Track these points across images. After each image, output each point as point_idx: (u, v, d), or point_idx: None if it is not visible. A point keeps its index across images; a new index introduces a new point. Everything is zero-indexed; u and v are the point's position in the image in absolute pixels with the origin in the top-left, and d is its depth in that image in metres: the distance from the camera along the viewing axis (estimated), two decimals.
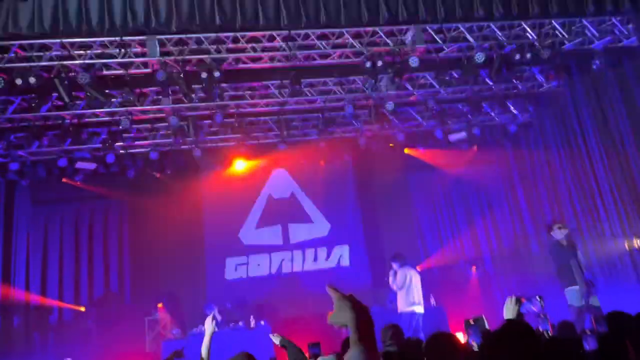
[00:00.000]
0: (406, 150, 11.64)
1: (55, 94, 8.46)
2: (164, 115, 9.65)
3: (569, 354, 3.40)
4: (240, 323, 9.06)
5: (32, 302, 9.91)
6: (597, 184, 9.74)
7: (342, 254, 11.57)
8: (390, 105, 9.33)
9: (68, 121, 9.13)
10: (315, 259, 11.53)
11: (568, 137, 10.30)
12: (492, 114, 10.78)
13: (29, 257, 10.11)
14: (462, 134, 10.74)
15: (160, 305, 10.38)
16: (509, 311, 3.50)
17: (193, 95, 9.18)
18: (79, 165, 9.69)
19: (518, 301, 3.54)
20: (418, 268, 11.45)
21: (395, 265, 8.43)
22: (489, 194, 11.84)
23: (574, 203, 10.32)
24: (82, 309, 10.34)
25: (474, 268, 11.48)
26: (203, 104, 9.53)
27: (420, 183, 12.00)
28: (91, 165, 9.80)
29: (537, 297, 3.75)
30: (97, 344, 9.06)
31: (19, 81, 7.49)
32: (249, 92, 9.59)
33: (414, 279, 8.32)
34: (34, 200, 10.33)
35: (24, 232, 10.07)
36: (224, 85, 9.14)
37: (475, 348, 3.17)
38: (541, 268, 10.55)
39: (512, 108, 10.79)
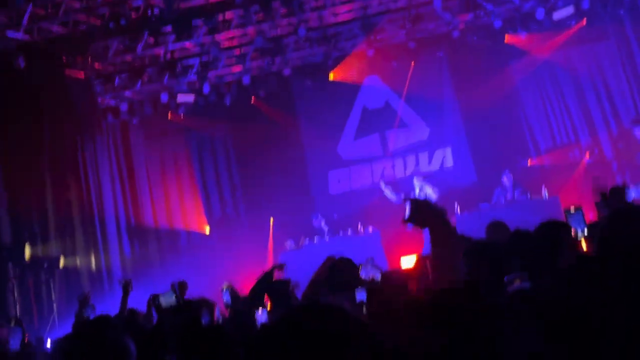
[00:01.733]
0: (506, 39, 10.75)
1: (145, 32, 8.79)
2: (249, 38, 9.71)
3: None
4: (349, 231, 9.35)
5: (162, 229, 10.94)
6: None
7: (444, 156, 11.28)
8: None
9: (162, 56, 9.51)
10: (417, 163, 11.36)
11: None
12: None
13: (151, 189, 11.04)
14: (569, 10, 9.64)
15: (271, 220, 10.99)
16: (613, 198, 3.25)
17: (274, 13, 9.09)
18: (180, 98, 10.17)
19: (622, 188, 3.29)
20: (529, 162, 10.91)
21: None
22: (604, 74, 10.70)
23: None
24: (207, 232, 11.21)
25: (587, 154, 10.66)
26: (285, 19, 9.41)
27: (525, 73, 11.08)
28: (190, 97, 10.24)
29: None
30: (223, 261, 9.88)
31: (111, 24, 7.86)
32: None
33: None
34: (146, 137, 11.09)
35: (142, 167, 10.95)
36: None
37: (580, 236, 3.01)
38: None
39: None
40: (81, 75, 9.62)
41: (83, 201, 9.25)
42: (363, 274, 3.40)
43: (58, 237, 8.56)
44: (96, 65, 9.55)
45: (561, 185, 10.12)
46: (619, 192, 3.12)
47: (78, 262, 8.91)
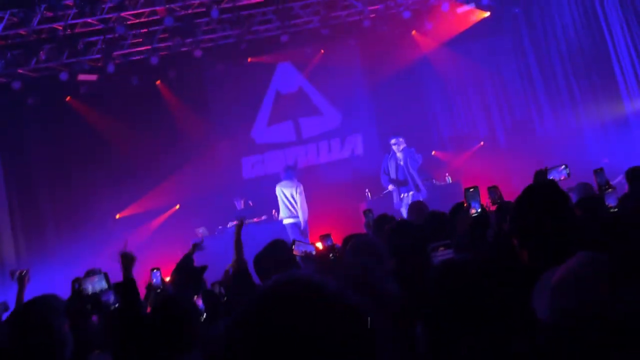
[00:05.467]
0: (413, 33, 11.21)
1: (43, 4, 8.12)
2: (158, 17, 9.29)
3: (592, 210, 3.53)
4: (264, 217, 9.33)
5: (61, 217, 10.25)
6: (615, 49, 9.47)
7: (355, 143, 11.57)
8: None
9: (61, 32, 8.84)
10: (329, 150, 11.56)
11: (584, 2, 9.84)
12: None
13: (51, 176, 10.32)
14: (471, 5, 10.23)
15: (177, 207, 10.66)
16: (536, 180, 3.55)
17: None
18: (81, 77, 9.52)
19: (544, 171, 3.59)
20: (433, 152, 11.47)
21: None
22: (500, 67, 11.52)
23: (590, 71, 10.07)
24: (118, 216, 10.63)
25: (481, 143, 11.46)
26: (197, 0, 9.12)
27: (431, 64, 11.62)
28: (92, 77, 9.63)
29: (563, 166, 3.83)
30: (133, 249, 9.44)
31: None
32: None
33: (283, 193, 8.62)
34: (42, 119, 10.26)
35: (37, 151, 10.17)
36: None
37: (475, 213, 3.32)
38: (554, 143, 10.55)
39: None
40: None
41: None
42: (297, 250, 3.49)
43: None
44: None
45: (461, 171, 10.80)
46: (542, 174, 3.44)
47: None
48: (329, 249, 3.77)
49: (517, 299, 1.68)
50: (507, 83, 11.55)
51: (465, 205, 3.27)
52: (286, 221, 8.64)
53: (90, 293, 3.31)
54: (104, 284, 3.28)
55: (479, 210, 3.30)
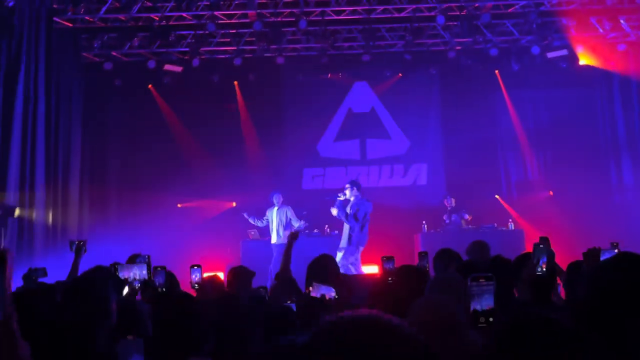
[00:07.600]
0: (497, 73, 10.95)
1: None
2: (248, 20, 9.57)
3: None
4: (316, 230, 9.32)
5: (125, 196, 10.68)
6: None
7: (419, 173, 11.39)
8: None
9: (157, 22, 9.28)
10: (391, 175, 11.44)
11: None
12: (601, 30, 9.78)
13: (123, 155, 10.81)
14: (563, 51, 9.88)
15: (233, 204, 10.84)
16: (588, 261, 3.35)
17: (278, 0, 9.02)
18: (167, 67, 9.94)
19: (596, 252, 3.39)
20: (496, 196, 11.07)
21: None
22: (583, 118, 10.96)
23: None
24: (179, 205, 10.92)
25: (550, 193, 10.96)
26: (288, 9, 9.33)
27: (508, 104, 11.28)
28: (178, 68, 10.03)
29: (616, 250, 3.66)
30: (185, 238, 9.73)
31: None
32: None
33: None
34: (124, 99, 10.79)
35: (118, 130, 10.69)
36: None
37: (540, 272, 3.07)
38: (629, 206, 9.95)
39: (623, 24, 9.71)
40: (68, 25, 9.31)
41: (49, 153, 8.93)
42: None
43: (17, 188, 8.23)
44: (87, 18, 9.23)
45: (525, 219, 10.37)
46: (594, 256, 3.20)
47: (34, 214, 8.58)
48: (388, 272, 3.65)
49: None
50: (588, 135, 10.94)
51: (534, 261, 3.06)
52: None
53: (132, 279, 3.37)
54: (144, 273, 3.34)
55: (545, 269, 3.08)
